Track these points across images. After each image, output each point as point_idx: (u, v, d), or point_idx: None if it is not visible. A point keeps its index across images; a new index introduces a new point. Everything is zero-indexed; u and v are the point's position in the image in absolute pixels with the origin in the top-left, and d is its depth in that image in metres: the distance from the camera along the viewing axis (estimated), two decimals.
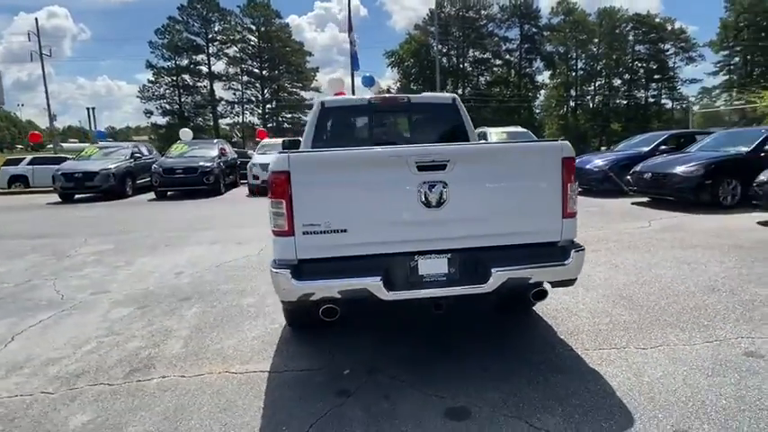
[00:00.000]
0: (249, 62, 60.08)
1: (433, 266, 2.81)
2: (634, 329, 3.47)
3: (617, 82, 66.75)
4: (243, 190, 16.23)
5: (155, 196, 14.72)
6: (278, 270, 2.74)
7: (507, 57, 63.87)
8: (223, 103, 59.04)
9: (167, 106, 55.92)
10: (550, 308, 3.90)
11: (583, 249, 2.91)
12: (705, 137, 10.17)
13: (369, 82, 17.47)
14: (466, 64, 66.31)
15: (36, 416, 2.67)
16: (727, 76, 63.70)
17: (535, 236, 2.90)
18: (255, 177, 14.23)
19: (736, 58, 62.75)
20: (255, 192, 13.96)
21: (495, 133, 14.92)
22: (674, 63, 64.62)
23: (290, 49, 60.34)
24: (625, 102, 66.02)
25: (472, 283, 2.78)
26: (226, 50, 57.99)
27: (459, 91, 61.76)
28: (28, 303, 4.69)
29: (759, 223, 7.08)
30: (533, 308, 3.87)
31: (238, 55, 58.75)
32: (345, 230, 2.73)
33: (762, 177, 7.09)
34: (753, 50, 60.14)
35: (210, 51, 56.98)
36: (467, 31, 62.80)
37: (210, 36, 56.69)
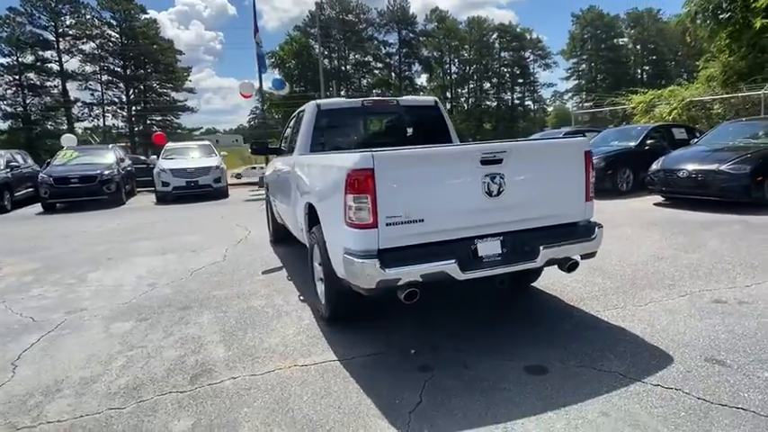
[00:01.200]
0: (110, 60, 55.12)
1: (489, 248, 3.20)
2: (622, 293, 4.17)
3: (486, 85, 72.14)
4: (145, 198, 15.21)
5: (42, 209, 13.23)
6: (364, 260, 2.94)
7: (388, 60, 66.11)
8: (79, 104, 53.48)
9: (8, 109, 49.01)
10: (542, 284, 4.47)
11: (602, 226, 3.49)
12: (595, 134, 11.79)
13: (279, 85, 17.27)
14: (348, 66, 67.35)
15: (130, 429, 2.60)
16: (577, 81, 71.93)
17: (566, 217, 3.43)
18: (165, 184, 13.48)
19: (583, 65, 71.11)
20: (166, 200, 13.22)
21: None
22: (534, 69, 71.46)
23: (157, 47, 56.34)
24: (495, 103, 71.62)
25: (525, 260, 3.22)
26: (81, 46, 52.46)
27: (343, 92, 62.62)
28: None
29: (655, 204, 8.50)
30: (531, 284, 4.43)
31: (96, 52, 53.51)
32: (422, 220, 3.02)
33: (654, 167, 8.52)
34: (596, 59, 68.57)
35: (62, 47, 51.15)
36: (347, 34, 63.83)
37: (61, 30, 50.86)
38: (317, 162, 3.82)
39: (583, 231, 3.44)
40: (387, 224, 2.96)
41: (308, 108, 4.86)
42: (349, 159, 3.05)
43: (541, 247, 3.21)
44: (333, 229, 3.37)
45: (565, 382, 2.78)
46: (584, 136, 12.02)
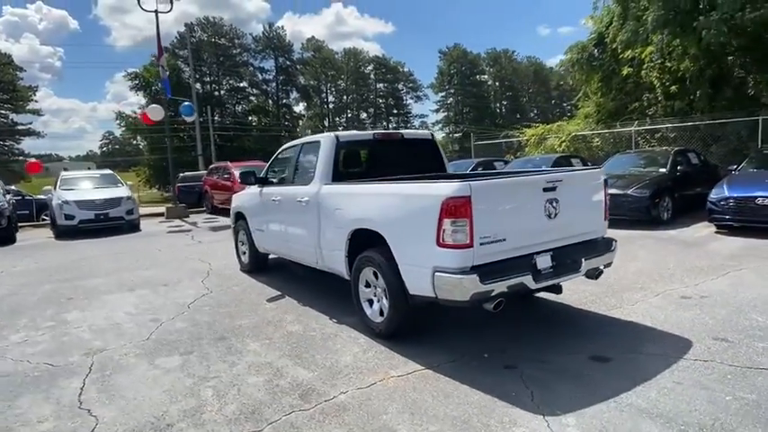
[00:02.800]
0: None
1: (544, 262, 3.84)
2: (611, 296, 5.06)
3: (363, 115, 74.80)
4: (35, 233, 13.63)
5: None
6: (462, 275, 3.40)
7: (264, 87, 65.46)
8: None
9: None
10: (541, 294, 5.20)
11: (616, 240, 4.33)
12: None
13: (189, 111, 16.54)
14: (222, 91, 65.48)
15: None
16: (446, 113, 77.70)
17: (593, 233, 4.22)
18: (69, 217, 12.31)
19: (451, 99, 77.11)
20: (69, 235, 12.05)
21: None
22: (407, 100, 75.79)
23: None
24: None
25: (572, 271, 3.91)
26: None
27: (217, 117, 60.64)
28: (15, 379, 3.87)
29: None
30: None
31: None
32: (505, 239, 3.57)
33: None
34: (462, 93, 74.81)
35: None
36: (221, 59, 62.23)
37: None
38: (386, 191, 4.18)
39: (605, 245, 4.25)
40: (480, 243, 3.45)
41: (327, 140, 5.15)
42: (444, 188, 3.51)
43: (583, 259, 3.93)
44: (413, 251, 3.75)
45: (629, 365, 3.48)
46: (494, 167, 13.49)
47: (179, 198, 17.45)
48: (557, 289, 4.12)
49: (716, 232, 8.28)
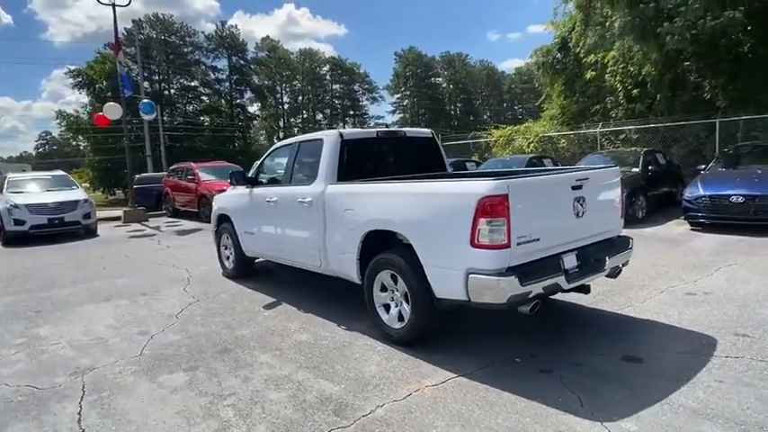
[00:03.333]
0: None
1: (570, 261, 3.75)
2: (618, 295, 5.06)
3: (319, 116, 74.17)
4: None
5: None
6: (500, 277, 3.26)
7: (217, 86, 63.67)
8: None
9: None
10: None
11: (632, 239, 4.31)
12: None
13: (149, 109, 15.65)
14: (172, 90, 63.26)
15: None
16: (402, 115, 78.12)
17: (611, 232, 4.18)
18: (19, 222, 11.41)
19: (407, 101, 77.63)
20: (19, 241, 11.17)
21: None
22: (363, 102, 75.66)
23: None
24: None
25: (597, 270, 3.85)
26: None
27: (166, 117, 58.58)
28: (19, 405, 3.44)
29: None
30: None
31: None
32: (539, 239, 3.45)
33: None
34: (417, 95, 75.45)
35: None
36: (171, 57, 60.12)
37: None
38: (410, 191, 3.98)
39: (623, 243, 4.22)
40: (517, 243, 3.32)
41: (331, 138, 4.91)
42: (479, 186, 3.36)
43: (607, 258, 3.88)
44: (442, 252, 3.58)
45: (664, 364, 3.44)
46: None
47: (136, 201, 16.55)
48: (585, 289, 4.05)
49: (690, 229, 8.56)
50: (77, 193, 12.61)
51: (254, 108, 65.75)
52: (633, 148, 11.89)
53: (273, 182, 5.85)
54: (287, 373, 3.69)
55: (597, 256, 3.89)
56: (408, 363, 3.73)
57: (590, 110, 16.82)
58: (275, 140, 69.53)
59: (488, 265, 3.31)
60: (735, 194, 7.90)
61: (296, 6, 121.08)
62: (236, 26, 62.43)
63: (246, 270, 6.62)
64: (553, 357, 3.67)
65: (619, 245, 4.18)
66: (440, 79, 78.98)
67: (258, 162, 6.14)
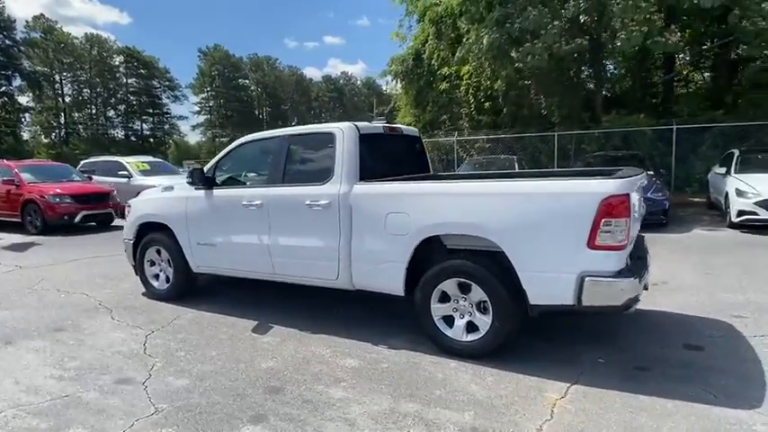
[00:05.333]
0: None
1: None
2: None
3: (111, 112, 65.52)
4: None
5: None
6: (624, 279, 3.23)
7: None
8: None
9: None
10: None
11: (644, 236, 4.69)
12: None
13: None
14: None
15: None
16: (208, 116, 73.66)
17: None
18: None
19: (212, 101, 73.44)
20: None
21: (133, 164, 13.42)
22: (163, 99, 69.08)
23: None
24: (123, 132, 65.68)
25: (646, 267, 4.07)
26: None
27: None
28: None
29: None
30: None
31: None
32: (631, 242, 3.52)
33: None
34: (224, 96, 71.96)
35: None
36: None
37: None
38: (507, 191, 3.66)
39: (641, 239, 4.55)
40: (630, 243, 3.33)
41: (349, 131, 4.29)
42: (599, 185, 3.28)
43: (647, 255, 4.15)
44: (547, 256, 3.39)
45: (725, 348, 3.80)
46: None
47: None
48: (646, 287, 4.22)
49: None
50: None
51: (26, 99, 54.76)
52: (505, 156, 13.13)
53: (247, 183, 4.89)
54: (386, 406, 3.09)
55: (640, 253, 4.10)
56: (505, 378, 3.43)
57: (439, 119, 18.11)
58: (54, 139, 58.85)
59: (608, 266, 3.25)
60: None
61: None
62: None
63: (187, 289, 5.42)
64: (629, 356, 3.74)
65: (642, 241, 4.49)
66: (248, 81, 76.48)
67: (215, 160, 5.05)
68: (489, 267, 3.60)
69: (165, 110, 68.70)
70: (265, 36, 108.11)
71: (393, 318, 4.61)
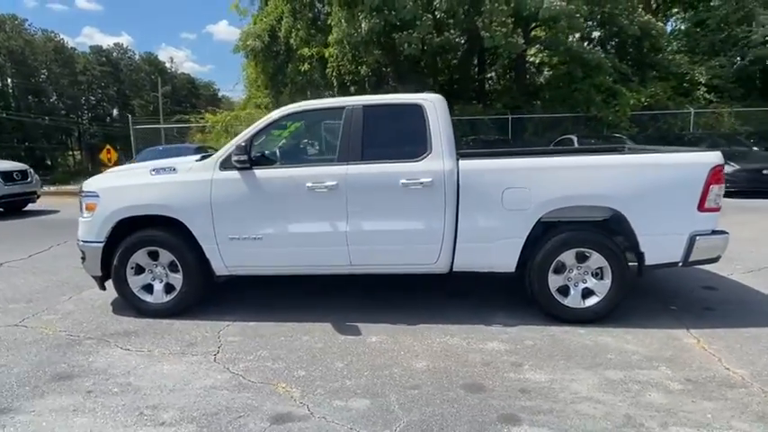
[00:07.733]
0: None
1: None
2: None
3: None
4: None
5: None
6: (722, 235, 3.88)
7: None
8: None
9: None
10: None
11: None
12: None
13: None
14: None
15: None
16: None
17: None
18: None
19: None
20: None
21: None
22: None
23: None
24: None
25: None
26: None
27: None
28: None
29: None
30: None
31: None
32: None
33: None
34: None
35: None
36: None
37: None
38: (629, 162, 3.93)
39: None
40: None
41: (439, 102, 4.04)
42: (707, 156, 3.82)
43: None
44: (665, 220, 3.80)
45: (732, 288, 4.74)
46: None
47: None
48: None
49: None
50: None
51: None
52: None
53: (302, 161, 4.16)
54: (596, 381, 3.09)
55: None
56: (638, 334, 3.72)
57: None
58: None
59: (710, 226, 3.84)
60: None
61: None
62: None
63: (200, 299, 4.36)
64: (661, 297, 4.50)
65: None
66: None
67: (249, 133, 4.13)
68: (605, 235, 3.87)
69: None
70: None
71: (438, 298, 4.65)
